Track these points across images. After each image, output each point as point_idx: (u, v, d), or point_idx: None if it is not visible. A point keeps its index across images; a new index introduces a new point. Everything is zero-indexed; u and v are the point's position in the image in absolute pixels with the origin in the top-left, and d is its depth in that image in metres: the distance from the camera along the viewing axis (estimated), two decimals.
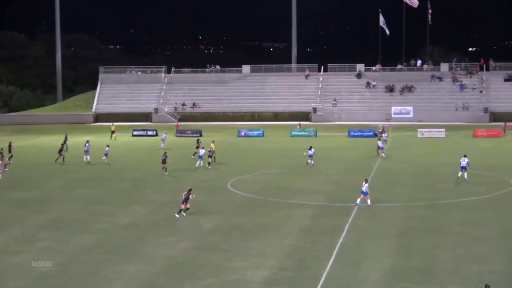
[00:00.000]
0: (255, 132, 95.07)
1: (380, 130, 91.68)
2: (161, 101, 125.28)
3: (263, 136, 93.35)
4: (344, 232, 37.49)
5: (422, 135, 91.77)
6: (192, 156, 66.70)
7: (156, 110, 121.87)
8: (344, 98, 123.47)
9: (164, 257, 33.12)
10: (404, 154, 72.95)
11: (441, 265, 31.46)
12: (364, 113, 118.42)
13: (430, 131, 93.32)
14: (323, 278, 29.68)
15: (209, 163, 62.47)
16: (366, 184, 44.78)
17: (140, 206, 45.39)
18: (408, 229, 38.31)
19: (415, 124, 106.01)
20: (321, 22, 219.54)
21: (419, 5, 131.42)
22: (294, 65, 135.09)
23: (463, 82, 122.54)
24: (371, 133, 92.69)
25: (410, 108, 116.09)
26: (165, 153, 60.56)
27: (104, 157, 65.91)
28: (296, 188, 51.87)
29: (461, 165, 55.00)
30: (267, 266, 31.41)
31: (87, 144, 67.45)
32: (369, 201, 44.40)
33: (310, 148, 64.95)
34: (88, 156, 66.61)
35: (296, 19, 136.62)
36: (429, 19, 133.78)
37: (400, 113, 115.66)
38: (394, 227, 38.63)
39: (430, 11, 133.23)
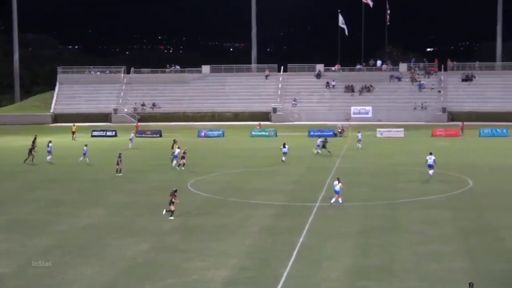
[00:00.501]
0: (215, 133, 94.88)
1: (340, 130, 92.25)
2: (120, 102, 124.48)
3: (223, 136, 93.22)
4: (305, 231, 37.54)
5: (381, 134, 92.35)
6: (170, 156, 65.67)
7: (115, 110, 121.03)
8: (304, 98, 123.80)
9: (123, 258, 32.86)
10: (364, 153, 73.30)
11: (400, 263, 31.66)
12: (324, 113, 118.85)
13: (389, 131, 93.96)
14: (283, 278, 29.68)
15: (180, 165, 61.41)
16: (340, 184, 45.00)
17: (99, 207, 44.99)
18: (368, 228, 38.48)
19: (374, 124, 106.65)
20: (281, 23, 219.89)
21: (377, 5, 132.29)
22: (254, 65, 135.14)
23: (422, 82, 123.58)
24: (331, 133, 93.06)
25: (369, 108, 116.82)
26: (120, 154, 59.99)
27: (81, 157, 65.28)
28: (256, 188, 51.85)
29: (428, 163, 55.66)
30: (227, 266, 31.33)
31: (50, 145, 67.02)
32: (340, 200, 44.66)
33: (284, 145, 65.62)
34: (50, 156, 66.07)
35: (256, 19, 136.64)
36: (388, 20, 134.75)
37: (359, 113, 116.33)
38: (354, 227, 38.78)
39: (388, 11, 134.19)
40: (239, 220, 40.63)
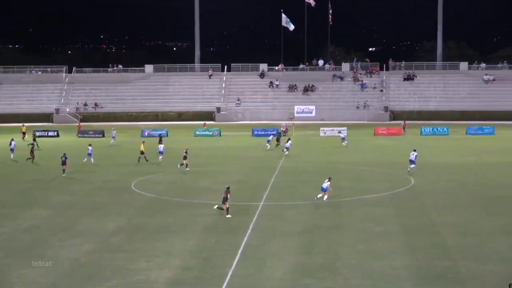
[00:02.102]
0: (159, 132, 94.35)
1: (284, 129, 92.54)
2: (62, 101, 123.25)
3: (167, 136, 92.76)
4: (249, 231, 37.61)
5: (325, 134, 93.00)
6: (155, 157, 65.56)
7: (57, 110, 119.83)
8: (248, 98, 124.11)
9: (67, 259, 32.51)
10: (307, 153, 73.71)
11: (344, 261, 31.93)
12: (268, 112, 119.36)
13: (332, 130, 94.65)
14: (228, 277, 29.71)
15: (183, 165, 60.81)
16: (328, 182, 45.64)
17: (42, 208, 44.43)
18: (312, 226, 38.71)
19: (317, 123, 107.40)
20: (224, 22, 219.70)
21: (320, 6, 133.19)
22: (197, 65, 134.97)
23: (364, 82, 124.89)
24: (275, 132, 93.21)
25: (313, 107, 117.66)
26: (64, 154, 59.33)
27: (86, 158, 64.87)
28: (200, 188, 51.78)
29: (410, 159, 57.55)
30: (172, 266, 31.24)
31: (13, 143, 68.05)
32: (325, 197, 45.21)
33: (288, 140, 70.81)
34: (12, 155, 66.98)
35: (199, 18, 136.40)
36: (330, 20, 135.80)
37: (303, 112, 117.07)
38: (297, 225, 38.98)
39: (330, 11, 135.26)
40: (183, 220, 40.53)
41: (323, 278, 29.63)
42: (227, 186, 43.11)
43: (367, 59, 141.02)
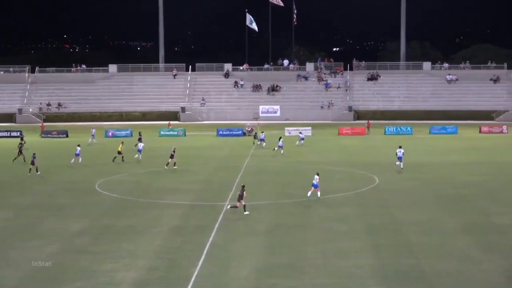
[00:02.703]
0: (123, 132, 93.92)
1: (249, 129, 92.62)
2: (25, 102, 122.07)
3: (131, 136, 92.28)
4: (214, 231, 37.57)
5: (289, 133, 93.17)
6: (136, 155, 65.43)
7: (20, 110, 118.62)
8: (213, 98, 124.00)
9: (30, 261, 32.17)
10: (272, 152, 73.78)
11: (309, 260, 32.04)
12: (233, 112, 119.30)
13: (297, 130, 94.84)
14: (193, 277, 29.66)
15: (169, 163, 61.13)
16: (317, 177, 46.21)
17: (4, 210, 43.93)
18: (277, 226, 38.78)
19: (282, 122, 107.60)
20: (188, 22, 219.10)
21: (284, 6, 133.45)
22: (161, 65, 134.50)
23: (328, 81, 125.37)
24: (240, 132, 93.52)
25: (277, 107, 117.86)
26: (34, 154, 58.99)
27: (73, 159, 64.23)
28: (165, 188, 51.61)
29: (398, 156, 59.16)
30: (137, 267, 31.10)
31: None
32: (318, 194, 45.72)
33: (280, 138, 72.50)
34: None
35: (163, 18, 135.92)
36: (295, 20, 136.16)
37: (267, 112, 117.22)
38: (262, 225, 39.03)
39: (295, 11, 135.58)
40: (148, 221, 40.36)
41: (288, 277, 29.70)
42: (242, 184, 43.32)
43: (331, 59, 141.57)
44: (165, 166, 60.95)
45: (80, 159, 64.34)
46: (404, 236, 36.26)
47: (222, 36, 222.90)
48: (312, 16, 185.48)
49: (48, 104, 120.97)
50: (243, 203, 41.89)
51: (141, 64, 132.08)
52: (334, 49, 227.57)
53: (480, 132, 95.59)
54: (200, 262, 31.74)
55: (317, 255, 32.96)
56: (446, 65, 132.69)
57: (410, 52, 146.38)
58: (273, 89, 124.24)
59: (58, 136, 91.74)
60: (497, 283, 28.79)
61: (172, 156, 61.10)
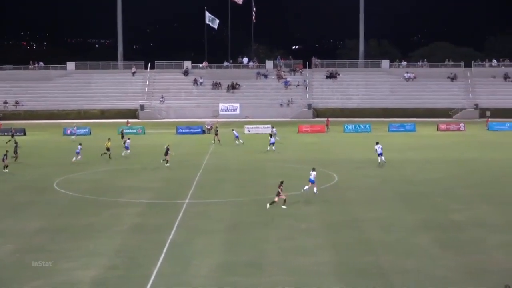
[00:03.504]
0: (82, 130, 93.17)
1: (208, 127, 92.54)
2: None
3: (90, 134, 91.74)
4: (174, 229, 37.46)
5: (249, 131, 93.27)
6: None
7: None
8: (172, 95, 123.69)
9: None
10: (232, 150, 73.81)
11: (269, 258, 32.09)
12: (192, 110, 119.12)
13: (256, 128, 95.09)
14: (153, 276, 29.54)
15: (164, 160, 61.86)
16: (314, 173, 46.71)
17: None
18: (237, 224, 38.79)
19: (242, 120, 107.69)
20: (147, 19, 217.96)
21: (243, 3, 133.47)
22: (120, 62, 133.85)
23: (288, 79, 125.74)
24: (199, 130, 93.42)
25: (237, 104, 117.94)
26: (6, 151, 58.60)
27: (75, 157, 63.52)
28: (124, 186, 51.32)
29: (378, 152, 60.51)
30: (96, 266, 30.88)
31: None
32: (315, 189, 46.11)
33: (271, 136, 73.08)
34: None
35: (121, 15, 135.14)
36: (254, 17, 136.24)
37: (227, 109, 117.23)
38: (222, 223, 39.01)
39: (254, 9, 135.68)
40: (108, 219, 40.11)
41: (248, 275, 29.72)
42: (281, 180, 43.65)
43: (290, 57, 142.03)
44: (161, 161, 61.88)
45: (80, 157, 63.75)
46: (363, 233, 36.49)
47: (181, 33, 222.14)
48: (271, 14, 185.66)
49: (5, 102, 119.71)
50: (283, 197, 42.73)
51: (100, 62, 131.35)
52: (293, 47, 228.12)
53: (438, 129, 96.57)
54: (160, 261, 31.62)
55: (277, 252, 33.03)
56: (404, 63, 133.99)
57: (368, 51, 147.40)
58: (233, 86, 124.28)
59: (15, 134, 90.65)
60: (454, 279, 29.10)
61: (167, 153, 61.68)
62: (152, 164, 62.99)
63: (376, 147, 61.60)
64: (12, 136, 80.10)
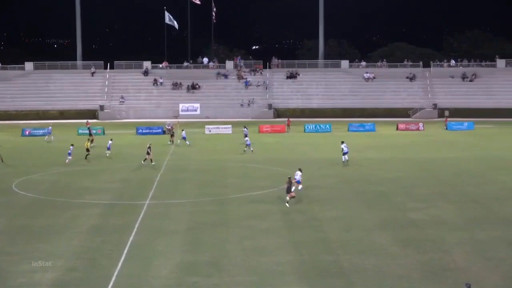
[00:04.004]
0: (40, 131, 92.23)
1: (169, 128, 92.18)
2: None
3: (51, 134, 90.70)
4: (135, 230, 37.30)
5: (210, 131, 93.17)
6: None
7: None
8: (132, 96, 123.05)
9: None
10: (193, 150, 73.67)
11: (230, 258, 32.10)
12: (152, 110, 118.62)
13: (217, 128, 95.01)
14: (114, 277, 29.40)
15: (146, 159, 61.98)
16: (300, 173, 48.02)
17: None
18: (198, 224, 38.73)
19: (202, 120, 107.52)
20: (106, 19, 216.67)
21: (204, 3, 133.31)
22: (79, 62, 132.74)
23: (248, 79, 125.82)
24: (159, 130, 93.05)
25: (197, 105, 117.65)
26: None
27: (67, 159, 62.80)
28: (84, 187, 50.95)
29: (344, 151, 60.92)
30: (55, 268, 30.63)
31: None
32: (300, 187, 47.15)
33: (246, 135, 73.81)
34: None
35: (80, 15, 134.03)
36: (214, 18, 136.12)
37: (187, 110, 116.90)
38: (183, 223, 38.94)
39: (214, 9, 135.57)
40: (67, 221, 39.78)
41: (209, 275, 29.71)
42: (288, 176, 44.91)
43: (250, 57, 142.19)
44: (142, 162, 61.62)
45: (70, 157, 63.19)
46: (323, 233, 36.66)
47: (141, 34, 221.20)
48: (231, 14, 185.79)
49: None
50: (294, 194, 43.67)
51: (59, 62, 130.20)
52: (254, 47, 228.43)
53: (397, 129, 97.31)
54: (121, 262, 31.47)
55: (238, 252, 33.05)
56: (363, 63, 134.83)
57: (328, 51, 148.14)
58: (193, 87, 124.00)
59: None
60: (414, 278, 29.37)
61: (148, 153, 61.55)
62: (113, 164, 62.64)
63: (342, 146, 62.00)
64: None
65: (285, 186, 44.05)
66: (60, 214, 41.52)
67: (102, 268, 30.72)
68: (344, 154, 61.58)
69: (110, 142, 69.07)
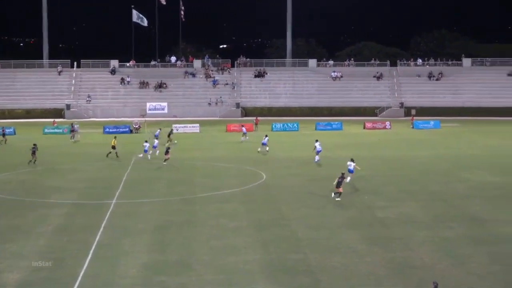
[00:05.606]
0: (7, 130, 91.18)
1: (136, 126, 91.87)
2: None
3: (15, 134, 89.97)
4: (101, 229, 37.08)
5: (177, 130, 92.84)
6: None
7: None
8: (99, 95, 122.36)
9: None
10: (160, 149, 73.33)
11: (198, 257, 32.05)
12: (119, 109, 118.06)
13: (185, 127, 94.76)
14: (80, 277, 29.20)
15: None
16: (353, 163, 51.25)
17: None
18: (165, 223, 38.61)
19: (170, 119, 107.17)
20: (73, 17, 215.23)
21: (172, 2, 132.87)
22: (46, 61, 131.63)
23: (216, 78, 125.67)
24: (127, 129, 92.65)
25: (165, 104, 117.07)
26: None
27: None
28: (50, 187, 50.56)
29: (317, 150, 61.49)
30: (21, 268, 30.36)
31: None
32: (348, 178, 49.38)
33: (266, 136, 71.31)
34: None
35: (47, 13, 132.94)
36: (182, 16, 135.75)
37: (155, 109, 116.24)
38: (151, 222, 38.79)
39: (182, 8, 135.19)
40: (33, 220, 39.45)
41: (177, 274, 29.62)
42: (342, 172, 46.62)
43: (218, 56, 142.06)
44: (164, 162, 61.05)
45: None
46: (291, 231, 36.74)
47: (108, 32, 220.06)
48: (199, 13, 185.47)
49: None
50: (341, 190, 44.73)
51: (25, 61, 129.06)
52: (221, 46, 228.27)
53: (364, 128, 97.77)
54: (87, 262, 31.28)
55: (205, 251, 33.01)
56: (331, 62, 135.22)
57: (296, 50, 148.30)
58: (160, 86, 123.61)
59: None
60: (380, 275, 29.52)
61: (167, 153, 61.61)
62: (79, 163, 62.23)
63: (316, 144, 62.32)
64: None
65: (336, 180, 45.19)
66: (26, 214, 41.17)
67: (68, 268, 30.51)
68: (318, 152, 61.76)
69: (156, 141, 68.58)
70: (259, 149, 69.51)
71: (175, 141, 76.26)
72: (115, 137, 68.65)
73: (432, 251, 32.98)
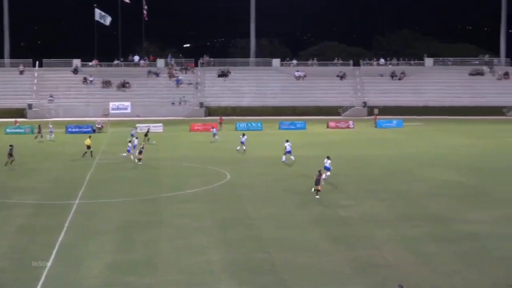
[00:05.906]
0: None
1: (99, 126, 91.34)
2: None
3: None
4: (64, 230, 36.79)
5: (141, 130, 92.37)
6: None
7: None
8: (61, 94, 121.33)
9: None
10: (124, 149, 72.96)
11: (162, 257, 31.96)
12: (82, 109, 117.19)
13: (148, 126, 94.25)
14: (43, 278, 28.94)
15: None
16: (329, 161, 51.83)
17: None
18: (129, 223, 38.44)
19: (133, 119, 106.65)
20: (35, 16, 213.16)
21: (134, 1, 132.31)
22: (7, 60, 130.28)
23: (179, 78, 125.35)
24: (89, 129, 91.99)
25: (128, 103, 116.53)
26: None
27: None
28: (12, 187, 50.07)
29: (286, 150, 61.34)
30: None
31: None
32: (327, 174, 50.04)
33: (243, 135, 71.33)
34: None
35: (8, 12, 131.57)
36: (145, 15, 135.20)
37: (118, 108, 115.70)
38: (115, 222, 38.60)
39: (146, 7, 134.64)
40: None
41: (141, 275, 29.49)
42: (319, 169, 47.04)
43: (181, 55, 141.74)
44: (139, 162, 61.00)
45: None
46: (255, 231, 36.77)
47: (71, 31, 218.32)
48: (162, 12, 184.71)
49: None
50: (320, 188, 45.29)
51: None
52: (185, 45, 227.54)
53: (327, 127, 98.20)
54: (50, 262, 31.01)
55: (170, 251, 32.93)
56: (294, 62, 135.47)
57: (260, 49, 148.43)
58: (123, 85, 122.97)
59: None
60: (345, 274, 29.66)
61: (140, 152, 61.55)
62: (42, 164, 61.71)
63: (286, 144, 62.27)
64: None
65: (315, 178, 45.60)
66: None
67: (31, 268, 30.22)
68: (287, 152, 61.73)
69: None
70: (238, 148, 69.68)
71: (153, 142, 75.89)
72: (89, 137, 68.22)
73: (396, 250, 33.21)
